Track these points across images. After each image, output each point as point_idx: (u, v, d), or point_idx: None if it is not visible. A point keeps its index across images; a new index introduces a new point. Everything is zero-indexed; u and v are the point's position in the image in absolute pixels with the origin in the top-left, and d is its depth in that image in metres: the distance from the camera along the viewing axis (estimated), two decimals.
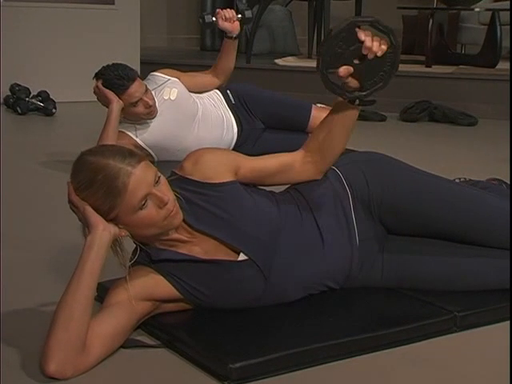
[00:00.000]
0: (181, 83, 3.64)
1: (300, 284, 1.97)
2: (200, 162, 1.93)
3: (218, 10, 3.76)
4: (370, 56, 1.83)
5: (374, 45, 1.81)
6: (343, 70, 1.84)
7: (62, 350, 1.63)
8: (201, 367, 1.71)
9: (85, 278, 1.69)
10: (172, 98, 3.57)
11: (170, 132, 3.56)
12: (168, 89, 3.59)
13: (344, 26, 1.82)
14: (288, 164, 2.02)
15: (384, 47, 1.83)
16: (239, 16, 3.77)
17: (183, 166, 1.95)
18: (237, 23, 3.73)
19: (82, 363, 1.65)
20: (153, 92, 3.55)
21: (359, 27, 1.83)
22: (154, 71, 3.72)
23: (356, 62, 1.85)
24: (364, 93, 1.90)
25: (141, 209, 1.74)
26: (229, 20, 3.70)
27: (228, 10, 3.76)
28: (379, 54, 1.83)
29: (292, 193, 2.07)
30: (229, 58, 3.76)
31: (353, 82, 1.87)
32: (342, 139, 2.00)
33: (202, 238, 1.90)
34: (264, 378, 1.68)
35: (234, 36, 3.73)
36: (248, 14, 3.85)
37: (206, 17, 3.78)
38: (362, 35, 1.81)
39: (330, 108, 1.99)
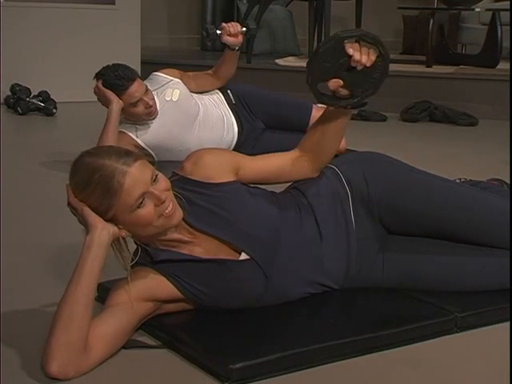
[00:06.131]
0: (183, 84, 3.64)
1: (300, 283, 1.98)
2: (200, 162, 1.94)
3: (222, 24, 3.65)
4: (359, 68, 1.86)
5: (363, 57, 1.85)
6: (333, 83, 1.89)
7: (63, 351, 1.63)
8: (202, 368, 1.71)
9: (84, 278, 1.69)
10: (174, 99, 3.57)
11: (171, 133, 3.56)
12: (170, 90, 3.59)
13: (331, 43, 1.84)
14: (286, 163, 2.05)
15: (373, 57, 1.87)
16: (244, 29, 3.68)
17: (184, 167, 1.96)
18: (240, 37, 3.64)
19: (84, 364, 1.66)
20: (155, 92, 3.55)
21: (346, 42, 1.84)
22: (155, 71, 3.71)
23: (345, 72, 1.87)
24: (355, 100, 1.93)
25: (138, 207, 1.74)
26: (233, 35, 3.61)
27: (232, 24, 3.65)
28: (368, 64, 1.86)
29: (292, 192, 2.08)
30: (230, 67, 3.73)
31: (343, 91, 1.91)
32: (336, 140, 2.04)
33: (203, 237, 1.90)
34: (265, 378, 1.68)
35: (237, 48, 3.68)
36: (252, 25, 3.74)
37: (210, 30, 3.68)
38: (349, 50, 1.84)
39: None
